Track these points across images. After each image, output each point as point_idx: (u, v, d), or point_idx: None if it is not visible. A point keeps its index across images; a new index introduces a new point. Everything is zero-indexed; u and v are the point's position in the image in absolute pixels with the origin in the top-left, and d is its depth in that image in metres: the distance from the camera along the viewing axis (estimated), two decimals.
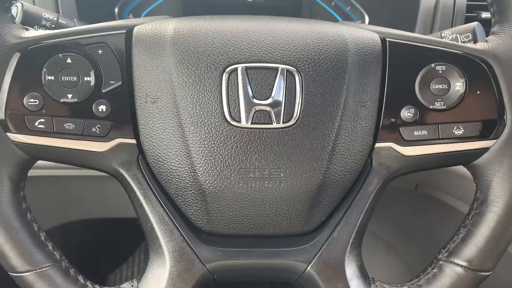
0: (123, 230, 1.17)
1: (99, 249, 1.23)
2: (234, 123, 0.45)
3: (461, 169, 0.54)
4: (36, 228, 0.47)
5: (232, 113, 0.45)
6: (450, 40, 0.58)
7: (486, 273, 0.49)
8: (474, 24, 0.58)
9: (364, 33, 0.49)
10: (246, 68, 0.45)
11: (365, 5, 0.85)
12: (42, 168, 0.73)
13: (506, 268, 0.76)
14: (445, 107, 0.48)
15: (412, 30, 0.75)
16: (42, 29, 0.57)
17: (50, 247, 0.47)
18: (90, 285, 0.47)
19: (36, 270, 0.45)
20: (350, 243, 0.48)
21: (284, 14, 0.86)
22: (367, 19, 0.86)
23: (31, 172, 0.48)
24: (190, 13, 0.86)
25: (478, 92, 0.48)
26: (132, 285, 0.48)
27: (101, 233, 1.20)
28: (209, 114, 0.45)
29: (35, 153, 0.46)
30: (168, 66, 0.46)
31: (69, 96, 0.45)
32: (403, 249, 1.09)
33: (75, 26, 0.60)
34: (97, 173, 0.49)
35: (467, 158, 0.49)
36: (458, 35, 0.58)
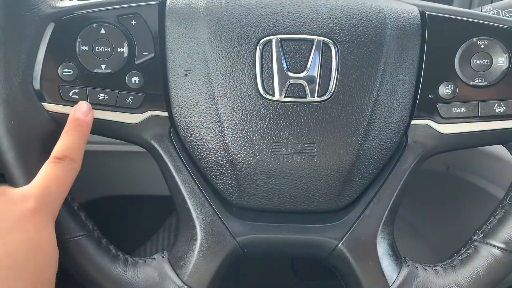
0: (148, 208, 1.18)
1: (124, 226, 1.25)
2: (267, 96, 0.44)
3: (496, 150, 0.53)
4: (69, 198, 0.47)
5: (265, 86, 0.44)
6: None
7: None
8: None
9: (403, 6, 0.48)
10: (281, 39, 0.44)
11: None
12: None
13: None
14: (486, 83, 0.46)
15: (451, 4, 0.73)
16: None
17: (83, 217, 0.47)
18: (121, 255, 0.48)
19: (69, 238, 0.46)
20: (382, 221, 0.47)
21: None
22: None
23: None
24: None
25: None
26: (163, 256, 0.48)
27: (126, 210, 1.21)
28: (242, 87, 0.45)
29: None
30: (201, 38, 0.45)
31: (103, 66, 0.45)
32: (429, 233, 1.07)
33: None
34: (124, 148, 0.49)
35: (507, 137, 0.47)
36: (500, 10, 0.55)
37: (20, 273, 0.34)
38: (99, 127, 0.47)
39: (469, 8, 0.72)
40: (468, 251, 0.49)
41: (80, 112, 0.44)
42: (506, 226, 0.47)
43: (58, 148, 0.43)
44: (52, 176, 0.41)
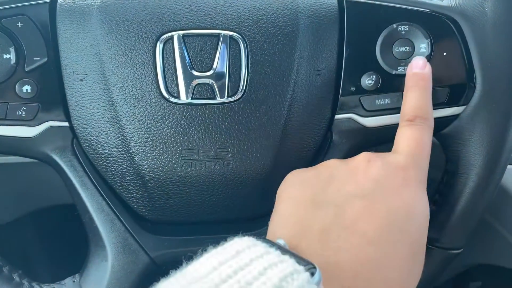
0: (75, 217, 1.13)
1: (74, 236, 1.20)
2: (172, 99, 0.41)
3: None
4: None
5: (169, 88, 0.40)
6: None
7: (457, 251, 0.45)
8: None
9: None
10: (183, 35, 0.40)
11: None
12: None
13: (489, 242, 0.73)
14: None
15: None
16: None
17: None
18: (26, 283, 0.43)
19: None
20: None
21: None
22: None
23: None
24: None
25: (445, 54, 0.43)
26: (74, 281, 0.44)
27: (74, 219, 1.16)
28: (143, 90, 0.40)
29: None
30: (95, 38, 0.41)
31: None
32: None
33: None
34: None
35: (435, 127, 0.45)
36: None
37: (401, 237, 0.34)
38: None
39: None
40: None
41: (417, 67, 0.41)
42: (436, 222, 0.45)
43: (406, 109, 0.41)
44: (414, 140, 0.39)
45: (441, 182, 0.46)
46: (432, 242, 0.45)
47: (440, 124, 0.44)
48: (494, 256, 0.79)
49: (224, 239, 0.44)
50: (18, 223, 0.99)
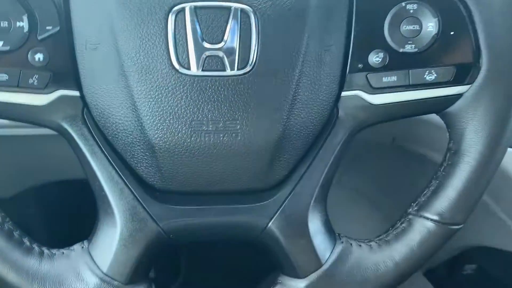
0: (85, 190, 1.14)
1: (76, 212, 1.21)
2: (182, 70, 0.41)
3: (439, 120, 0.51)
4: None
5: (180, 60, 0.41)
6: None
7: (457, 227, 0.46)
8: None
9: None
10: (195, 7, 0.41)
11: None
12: (5, 128, 0.69)
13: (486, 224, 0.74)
14: (416, 50, 0.44)
15: None
16: None
17: None
18: (36, 247, 0.44)
19: None
20: (313, 198, 0.45)
21: None
22: None
23: None
24: None
25: (452, 33, 0.44)
26: (83, 247, 0.45)
27: (77, 195, 1.17)
28: (154, 61, 0.41)
29: None
30: (108, 8, 0.41)
31: (0, 43, 0.41)
32: (385, 204, 1.07)
33: None
34: (45, 131, 0.45)
35: (439, 105, 0.46)
36: None
37: None
38: (2, 112, 0.42)
39: None
40: (403, 225, 0.47)
41: None
42: (439, 198, 0.46)
43: None
44: None
45: (444, 160, 0.47)
46: (433, 219, 0.46)
47: (445, 103, 0.45)
48: (490, 238, 0.81)
49: (230, 210, 0.45)
50: (22, 197, 1.00)
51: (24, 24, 0.41)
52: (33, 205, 1.10)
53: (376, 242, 0.47)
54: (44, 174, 0.99)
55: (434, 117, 0.50)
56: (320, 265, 0.45)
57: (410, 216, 0.47)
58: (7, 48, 0.41)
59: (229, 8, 0.41)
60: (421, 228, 0.46)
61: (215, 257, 1.20)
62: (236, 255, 1.17)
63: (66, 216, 1.20)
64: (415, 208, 0.47)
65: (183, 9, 0.41)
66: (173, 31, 0.41)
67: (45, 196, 1.09)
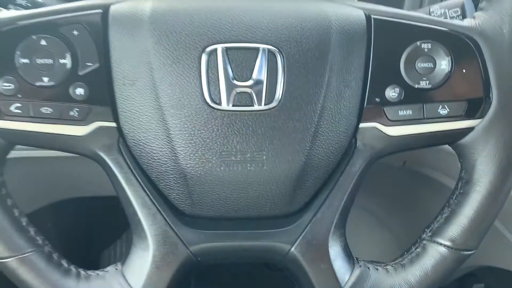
0: (114, 208, 1.16)
1: (90, 228, 1.23)
2: (214, 105, 0.44)
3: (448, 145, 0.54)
4: (17, 214, 0.46)
5: (212, 96, 0.44)
6: (438, 15, 0.57)
7: (469, 252, 0.49)
8: None
9: (349, 10, 0.48)
10: (226, 48, 0.44)
11: None
12: (24, 150, 0.72)
13: (494, 245, 0.77)
14: (430, 86, 0.47)
15: (402, 4, 0.74)
16: (18, 8, 0.55)
17: (32, 232, 0.47)
18: (73, 269, 0.47)
19: (18, 255, 0.45)
20: (333, 224, 0.48)
21: None
22: None
23: (13, 154, 0.47)
24: None
25: (464, 71, 0.47)
26: (117, 269, 0.48)
27: (91, 212, 1.20)
28: (188, 97, 0.44)
29: (12, 138, 0.45)
30: (145, 47, 0.44)
31: (45, 79, 0.44)
32: (395, 225, 1.10)
33: (55, 5, 0.58)
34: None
35: (452, 137, 0.49)
36: (446, 10, 0.57)
37: None
38: (44, 141, 0.46)
39: (420, 7, 0.73)
40: (417, 250, 0.50)
41: None
42: (452, 225, 0.48)
43: None
44: None
45: (456, 188, 0.50)
46: (446, 244, 0.48)
47: (457, 135, 0.48)
48: (498, 259, 0.83)
49: (255, 234, 0.48)
50: (39, 214, 1.02)
51: (67, 61, 0.44)
52: (50, 221, 1.13)
53: (392, 266, 0.50)
54: (60, 193, 1.02)
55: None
56: (339, 287, 0.48)
57: (424, 242, 0.50)
58: (52, 83, 0.44)
59: (257, 49, 0.44)
60: (434, 253, 0.49)
61: (225, 277, 1.22)
62: (246, 275, 1.19)
63: (80, 231, 1.22)
64: (429, 234, 0.50)
65: (215, 50, 0.44)
66: (206, 69, 0.44)
67: (61, 212, 1.11)
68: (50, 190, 1.00)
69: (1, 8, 0.46)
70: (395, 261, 0.50)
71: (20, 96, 0.44)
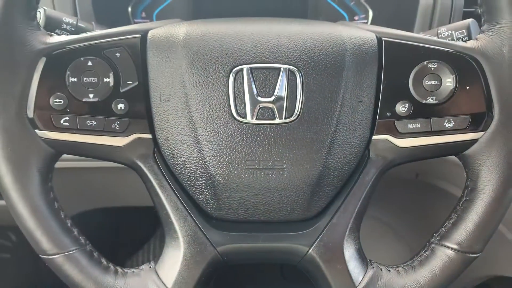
0: (141, 218, 1.22)
1: (118, 236, 1.29)
2: (240, 119, 0.49)
3: (457, 159, 0.58)
4: (63, 216, 0.52)
5: (238, 110, 0.49)
6: (445, 36, 0.61)
7: (475, 255, 0.52)
8: (469, 21, 0.61)
9: (361, 33, 0.53)
10: (251, 68, 0.49)
11: (368, 0, 0.88)
12: (67, 161, 0.78)
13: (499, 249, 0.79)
14: (436, 101, 0.51)
15: (412, 26, 0.78)
16: (63, 32, 0.61)
17: (75, 232, 0.52)
18: (112, 266, 0.52)
19: (64, 253, 0.50)
20: (348, 228, 0.52)
21: (290, 8, 0.90)
22: (370, 13, 0.89)
23: (58, 164, 0.53)
24: (200, 8, 0.90)
25: (468, 88, 0.51)
26: (150, 267, 0.53)
27: (120, 220, 1.25)
28: (217, 111, 0.49)
29: (60, 148, 0.51)
30: (180, 67, 0.50)
31: (91, 96, 0.50)
32: (408, 234, 1.13)
33: (93, 29, 0.64)
34: (116, 165, 0.54)
35: (457, 149, 0.53)
36: (453, 32, 0.61)
37: None
38: (88, 151, 0.51)
39: (430, 27, 0.78)
40: (426, 253, 0.54)
41: None
42: (458, 229, 0.52)
43: None
44: None
45: (462, 196, 0.54)
46: (453, 247, 0.52)
47: (462, 147, 0.52)
48: (507, 267, 0.85)
49: (276, 237, 0.53)
50: (82, 217, 1.07)
51: (110, 79, 0.50)
52: (83, 228, 1.19)
53: (403, 268, 0.54)
54: (93, 202, 1.08)
55: (453, 156, 0.56)
56: (354, 287, 0.52)
57: (432, 245, 0.54)
58: (96, 99, 0.50)
59: (278, 69, 0.49)
60: (442, 256, 0.52)
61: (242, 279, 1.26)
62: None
63: (107, 238, 1.28)
64: (437, 238, 0.54)
65: (241, 70, 0.49)
66: (233, 87, 0.49)
67: (93, 220, 1.17)
68: (80, 200, 1.06)
69: (53, 34, 0.52)
70: (406, 263, 0.54)
71: (68, 110, 0.49)
